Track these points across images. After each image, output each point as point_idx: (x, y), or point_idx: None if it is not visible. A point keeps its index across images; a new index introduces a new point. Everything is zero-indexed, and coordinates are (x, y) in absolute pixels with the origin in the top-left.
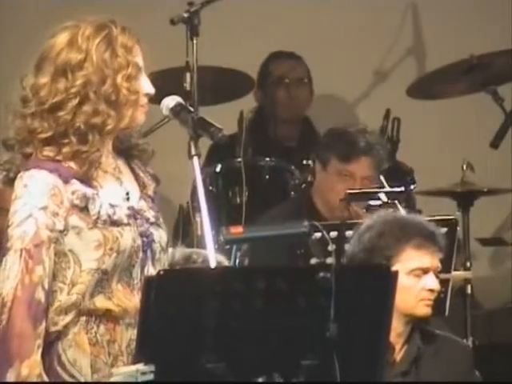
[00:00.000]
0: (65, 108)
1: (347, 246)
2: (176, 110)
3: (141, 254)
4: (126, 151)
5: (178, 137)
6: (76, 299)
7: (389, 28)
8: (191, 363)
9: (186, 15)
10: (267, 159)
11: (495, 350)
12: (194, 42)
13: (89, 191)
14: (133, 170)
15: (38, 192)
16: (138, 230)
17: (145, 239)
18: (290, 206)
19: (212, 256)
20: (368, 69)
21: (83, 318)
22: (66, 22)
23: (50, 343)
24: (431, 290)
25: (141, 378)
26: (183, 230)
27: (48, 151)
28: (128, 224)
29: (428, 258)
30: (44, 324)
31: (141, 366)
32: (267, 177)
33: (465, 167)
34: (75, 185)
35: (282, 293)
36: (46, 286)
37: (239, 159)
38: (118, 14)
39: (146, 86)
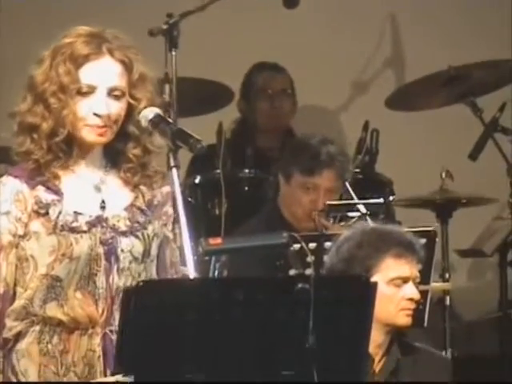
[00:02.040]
0: (19, 106)
1: (326, 258)
2: (155, 122)
3: (103, 263)
4: (125, 163)
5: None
6: (24, 304)
7: (367, 39)
8: (170, 374)
9: (164, 27)
10: (246, 171)
11: (474, 361)
12: (173, 53)
13: (49, 197)
14: (130, 182)
15: (3, 197)
16: (100, 238)
17: (105, 247)
18: (260, 218)
19: (191, 267)
20: (346, 80)
21: (37, 328)
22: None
23: (8, 353)
24: (411, 299)
25: None
26: None
27: (15, 154)
28: (87, 231)
29: (407, 268)
30: None
31: (120, 377)
32: (246, 188)
33: (444, 175)
34: (39, 191)
35: (261, 304)
36: (1, 290)
37: (218, 171)
38: (97, 25)
39: (94, 106)
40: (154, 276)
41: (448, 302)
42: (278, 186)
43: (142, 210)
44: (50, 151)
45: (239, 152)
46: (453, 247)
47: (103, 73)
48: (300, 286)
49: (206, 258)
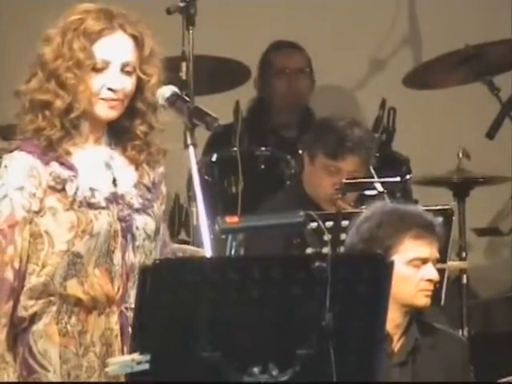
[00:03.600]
0: (27, 85)
1: (343, 236)
2: (172, 100)
3: (120, 240)
4: (130, 141)
5: (174, 126)
6: (45, 281)
7: (384, 17)
8: (186, 352)
9: (181, 4)
10: (263, 149)
11: (491, 339)
12: (190, 31)
13: (65, 173)
14: (135, 160)
15: (15, 173)
16: (118, 214)
17: (123, 224)
18: (285, 195)
19: (208, 246)
20: (364, 58)
21: (54, 309)
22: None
23: (23, 333)
24: (430, 280)
25: (136, 368)
26: (179, 219)
27: (19, 130)
28: (106, 208)
29: (427, 249)
30: (11, 303)
31: (136, 356)
32: (263, 166)
33: (461, 154)
34: (54, 167)
35: (278, 282)
36: (17, 266)
37: (235, 149)
38: (114, 4)
39: (109, 81)
40: (159, 255)
41: (465, 281)
42: (302, 162)
43: (148, 188)
44: (63, 128)
45: (256, 130)
46: (470, 226)
47: (117, 48)
48: (317, 264)
49: (223, 236)
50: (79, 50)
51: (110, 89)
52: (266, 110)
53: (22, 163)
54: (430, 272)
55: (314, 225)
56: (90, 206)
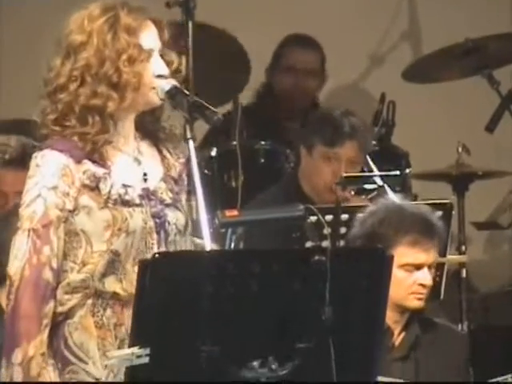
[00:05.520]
0: (66, 90)
1: (343, 230)
2: (171, 93)
3: (155, 236)
4: (154, 133)
5: (174, 120)
6: (85, 278)
7: (384, 11)
8: (186, 346)
9: None
10: (262, 143)
11: (490, 333)
12: (190, 25)
13: (100, 171)
14: (160, 152)
15: (48, 172)
16: (151, 211)
17: (157, 220)
18: (278, 190)
19: (208, 240)
20: (364, 52)
21: (90, 301)
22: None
23: (57, 326)
24: (423, 285)
25: (135, 361)
26: None
27: (57, 132)
28: (140, 205)
29: (422, 255)
30: (52, 304)
31: (136, 349)
32: (262, 160)
33: (460, 149)
34: (86, 165)
35: (277, 276)
36: (55, 265)
37: (234, 142)
38: None
39: (158, 68)
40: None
41: (464, 275)
42: (298, 158)
43: (175, 181)
44: (105, 128)
45: (259, 116)
46: (469, 220)
47: (154, 35)
48: (316, 258)
49: (223, 230)
50: (132, 47)
51: (159, 76)
52: (272, 97)
53: (54, 162)
54: (423, 277)
55: (313, 218)
56: (124, 203)
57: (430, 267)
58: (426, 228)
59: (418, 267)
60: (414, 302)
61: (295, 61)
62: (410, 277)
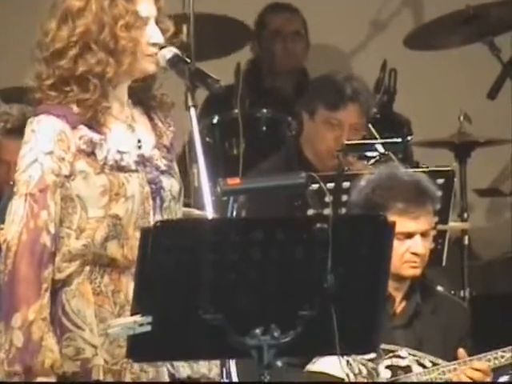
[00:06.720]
0: (65, 56)
1: (345, 197)
2: (173, 61)
3: (151, 202)
4: (146, 101)
5: (175, 88)
6: (86, 243)
7: None
8: (188, 315)
9: None
10: (264, 111)
11: (492, 300)
12: None
13: (96, 137)
14: (151, 120)
15: (44, 137)
16: (147, 177)
17: (153, 186)
18: (280, 158)
19: (209, 208)
20: (365, 19)
21: (87, 268)
22: None
23: (55, 293)
24: (415, 254)
25: (138, 330)
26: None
27: (53, 97)
28: (136, 171)
29: (411, 223)
30: (51, 268)
31: (138, 318)
32: (264, 128)
33: (462, 118)
34: (82, 130)
35: (280, 244)
36: (52, 230)
37: (236, 110)
38: None
39: (153, 36)
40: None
41: (466, 242)
42: (300, 125)
43: (167, 149)
44: (105, 94)
45: (252, 92)
46: (471, 187)
47: (150, 4)
48: (318, 225)
49: (224, 198)
50: (129, 14)
51: (154, 43)
52: (262, 72)
53: (50, 127)
54: (415, 245)
55: (315, 186)
56: (121, 169)
57: (424, 235)
58: (415, 196)
59: (409, 236)
60: (409, 271)
61: (280, 25)
62: (402, 245)
